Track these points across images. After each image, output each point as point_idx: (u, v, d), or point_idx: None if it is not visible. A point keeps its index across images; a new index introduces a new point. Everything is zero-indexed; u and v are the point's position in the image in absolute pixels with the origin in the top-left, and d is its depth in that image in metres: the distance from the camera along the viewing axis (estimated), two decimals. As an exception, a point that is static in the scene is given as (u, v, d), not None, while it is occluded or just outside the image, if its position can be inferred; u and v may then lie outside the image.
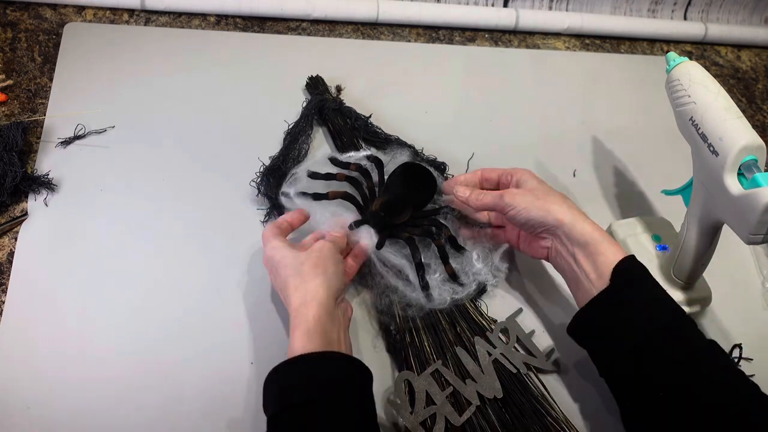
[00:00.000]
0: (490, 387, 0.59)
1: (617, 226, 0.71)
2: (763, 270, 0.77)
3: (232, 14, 0.91)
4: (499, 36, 1.00)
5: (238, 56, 0.86)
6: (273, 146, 0.75)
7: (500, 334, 0.63)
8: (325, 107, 0.78)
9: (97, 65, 0.80)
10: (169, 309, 0.62)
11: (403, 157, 0.73)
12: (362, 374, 0.52)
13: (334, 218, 0.65)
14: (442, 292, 0.62)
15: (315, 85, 0.83)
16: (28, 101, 0.76)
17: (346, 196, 0.66)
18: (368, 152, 0.70)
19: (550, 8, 1.03)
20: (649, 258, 0.67)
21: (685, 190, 0.64)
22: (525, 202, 0.61)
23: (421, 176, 0.71)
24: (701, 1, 1.09)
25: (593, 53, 1.02)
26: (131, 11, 0.88)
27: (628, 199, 0.81)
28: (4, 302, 0.60)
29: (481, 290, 0.67)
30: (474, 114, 0.87)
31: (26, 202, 0.67)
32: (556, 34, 1.03)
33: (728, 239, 0.59)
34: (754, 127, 0.55)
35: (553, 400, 0.60)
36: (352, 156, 0.70)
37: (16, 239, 0.64)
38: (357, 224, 0.64)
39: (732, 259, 0.77)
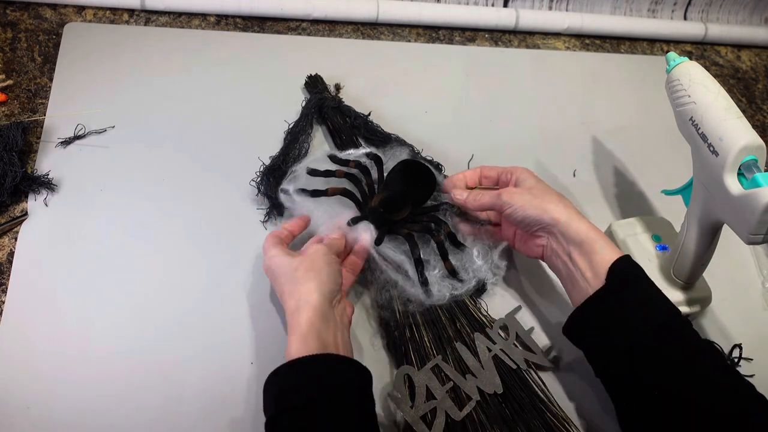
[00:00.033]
0: (490, 382, 0.59)
1: (617, 226, 0.71)
2: (763, 270, 0.77)
3: (232, 14, 0.91)
4: (499, 36, 1.00)
5: (238, 56, 0.86)
6: (273, 146, 0.75)
7: (500, 331, 0.63)
8: (324, 106, 0.79)
9: (97, 65, 0.80)
10: (169, 309, 0.62)
11: (402, 155, 0.74)
12: (360, 375, 0.52)
13: (333, 219, 0.65)
14: (442, 288, 0.62)
15: (314, 84, 0.83)
16: (28, 101, 0.76)
17: (345, 193, 0.66)
18: (368, 150, 0.70)
19: (550, 8, 1.03)
20: (649, 258, 0.67)
21: (685, 190, 0.64)
22: (522, 200, 0.61)
23: (420, 173, 0.71)
24: (701, 1, 1.09)
25: (593, 53, 1.02)
26: (131, 11, 0.88)
27: (628, 199, 0.81)
28: (4, 302, 0.60)
29: (481, 288, 0.67)
30: (474, 114, 0.87)
31: (26, 202, 0.67)
32: (556, 34, 1.03)
33: (728, 239, 0.59)
34: (754, 127, 0.55)
35: (553, 396, 0.60)
36: (351, 153, 0.70)
37: (16, 239, 0.64)
38: (355, 221, 0.64)
39: (732, 259, 0.77)
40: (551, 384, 0.62)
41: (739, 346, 0.68)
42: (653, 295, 0.56)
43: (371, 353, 0.62)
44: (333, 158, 0.70)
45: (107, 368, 0.57)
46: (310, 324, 0.52)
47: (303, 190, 0.66)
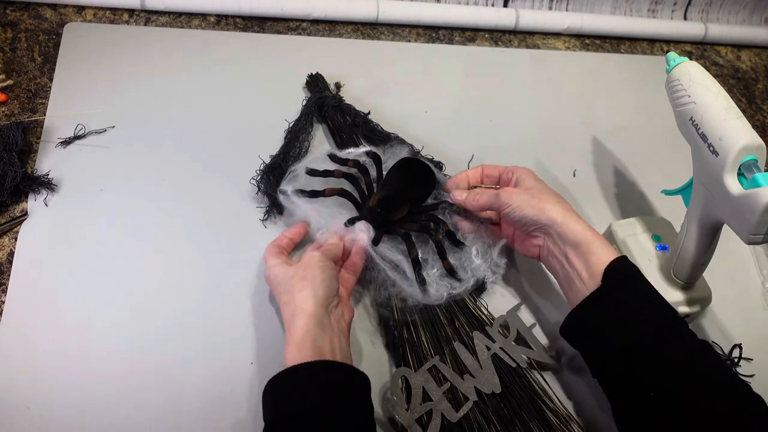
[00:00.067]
0: (488, 382, 0.59)
1: (617, 226, 0.71)
2: (763, 270, 0.77)
3: (232, 14, 0.91)
4: (499, 36, 1.00)
5: (238, 56, 0.86)
6: (273, 146, 0.75)
7: (500, 328, 0.63)
8: (324, 104, 0.79)
9: (97, 65, 0.80)
10: (169, 309, 0.62)
11: (402, 153, 0.74)
12: (356, 381, 0.52)
13: (331, 220, 0.65)
14: (440, 288, 0.62)
15: (315, 83, 0.83)
16: (28, 101, 0.76)
17: (342, 193, 0.66)
18: (367, 148, 0.70)
19: (550, 8, 1.03)
20: (649, 258, 0.67)
21: (685, 190, 0.64)
22: (520, 200, 0.61)
23: (419, 171, 0.71)
24: (701, 1, 1.09)
25: (593, 53, 1.02)
26: (131, 11, 0.88)
27: (628, 199, 0.81)
28: (4, 302, 0.60)
29: (481, 287, 0.67)
30: (474, 114, 0.87)
31: (26, 202, 0.67)
32: (556, 34, 1.03)
33: (728, 239, 0.59)
34: (754, 127, 0.55)
35: (554, 394, 0.60)
36: (350, 152, 0.70)
37: (16, 239, 0.64)
38: (352, 221, 0.64)
39: (732, 259, 0.77)
40: (552, 382, 0.62)
41: (739, 346, 0.68)
42: (649, 296, 0.56)
43: (371, 352, 0.62)
44: (332, 157, 0.70)
45: (107, 368, 0.57)
46: (305, 331, 0.53)
47: (301, 191, 0.66)
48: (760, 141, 0.53)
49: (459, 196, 0.67)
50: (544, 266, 0.64)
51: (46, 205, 0.67)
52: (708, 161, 0.56)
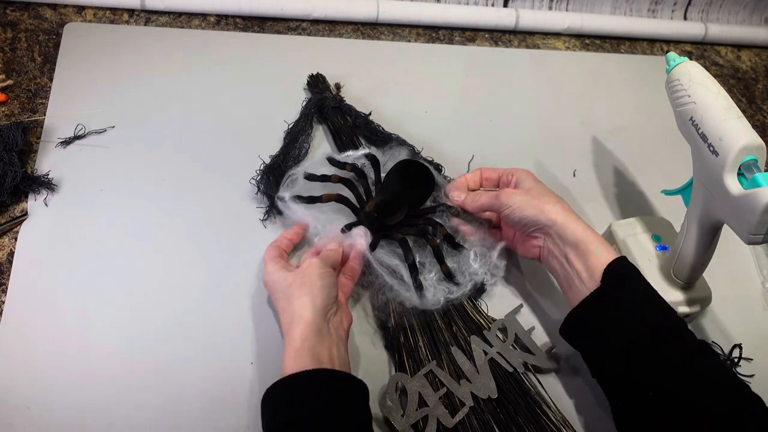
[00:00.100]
0: (485, 387, 0.59)
1: (617, 226, 0.71)
2: (763, 270, 0.77)
3: (232, 14, 0.91)
4: (499, 36, 1.00)
5: (238, 56, 0.86)
6: (273, 146, 0.75)
7: (498, 332, 0.63)
8: (325, 105, 0.79)
9: (97, 65, 0.80)
10: (169, 309, 0.62)
11: (402, 155, 0.74)
12: (354, 389, 0.52)
13: (329, 225, 0.65)
14: (437, 292, 0.62)
15: (315, 83, 0.83)
16: (28, 101, 0.76)
17: (339, 199, 0.66)
18: (366, 150, 0.70)
19: (550, 8, 1.03)
20: (649, 258, 0.67)
21: (685, 190, 0.64)
22: (520, 201, 0.61)
23: (418, 173, 0.71)
24: (701, 1, 1.09)
25: (593, 53, 1.02)
26: (131, 11, 0.88)
27: (628, 199, 0.81)
28: (4, 302, 0.60)
29: (480, 289, 0.67)
30: (474, 114, 0.87)
31: (26, 202, 0.67)
32: (556, 34, 1.03)
33: (728, 239, 0.59)
34: (754, 127, 0.55)
35: (551, 399, 0.60)
36: (349, 155, 0.70)
37: (16, 239, 0.64)
38: (349, 227, 0.64)
39: (732, 259, 0.77)
40: (550, 385, 0.62)
41: (739, 346, 0.68)
42: (648, 296, 0.56)
43: (371, 353, 0.62)
44: (331, 161, 0.70)
45: (107, 368, 0.57)
46: (303, 339, 0.52)
47: (299, 197, 0.66)
48: (760, 141, 0.53)
49: (458, 197, 0.67)
50: (544, 267, 0.64)
51: (46, 205, 0.67)
52: (708, 161, 0.56)
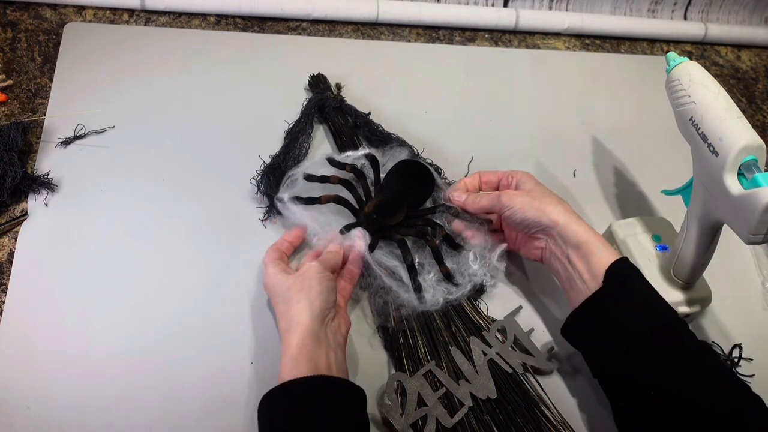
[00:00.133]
0: (484, 387, 0.59)
1: (617, 226, 0.71)
2: (763, 270, 0.77)
3: (232, 14, 0.91)
4: (499, 36, 1.00)
5: (238, 56, 0.86)
6: (273, 146, 0.75)
7: (497, 333, 0.63)
8: (325, 105, 0.79)
9: (97, 65, 0.80)
10: (169, 309, 0.62)
11: (402, 155, 0.74)
12: (352, 396, 0.52)
13: (328, 227, 0.65)
14: (436, 293, 0.62)
15: (316, 83, 0.83)
16: (28, 101, 0.76)
17: (338, 200, 0.66)
18: (366, 151, 0.70)
19: (550, 8, 1.03)
20: (649, 258, 0.67)
21: (685, 190, 0.64)
22: (521, 202, 0.61)
23: (418, 173, 0.71)
24: (701, 1, 1.09)
25: (593, 53, 1.02)
26: (131, 11, 0.88)
27: (628, 199, 0.81)
28: (4, 302, 0.60)
29: (479, 290, 0.67)
30: (474, 114, 0.87)
31: (26, 202, 0.67)
32: (556, 34, 1.03)
33: (728, 239, 0.59)
34: (754, 127, 0.55)
35: (550, 400, 0.60)
36: (349, 156, 0.70)
37: (16, 239, 0.64)
38: (347, 228, 0.64)
39: (732, 259, 0.77)
40: (550, 385, 0.62)
41: (739, 346, 0.68)
42: (650, 297, 0.56)
43: (370, 353, 0.62)
44: (331, 161, 0.70)
45: (107, 368, 0.57)
46: (300, 345, 0.52)
47: (298, 198, 0.66)
48: (760, 141, 0.53)
49: (459, 197, 0.67)
50: (546, 269, 0.64)
51: (46, 205, 0.67)
52: (708, 161, 0.56)
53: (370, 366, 0.61)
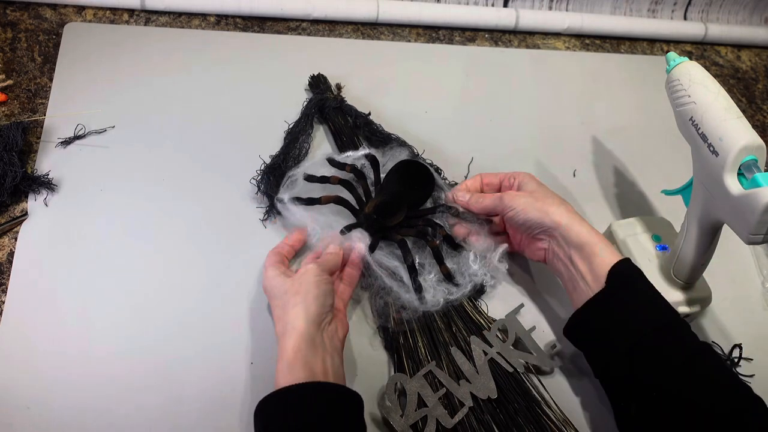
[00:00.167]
0: (485, 387, 0.58)
1: (617, 226, 0.71)
2: (763, 270, 0.77)
3: (232, 14, 0.91)
4: (499, 36, 1.00)
5: (238, 56, 0.86)
6: (273, 146, 0.75)
7: (498, 332, 0.63)
8: (326, 105, 0.78)
9: (97, 65, 0.80)
10: (169, 309, 0.62)
11: (402, 156, 0.73)
12: (348, 402, 0.51)
13: (328, 227, 0.65)
14: (437, 294, 0.62)
15: (317, 83, 0.83)
16: (28, 101, 0.76)
17: (338, 201, 0.66)
18: (366, 151, 0.70)
19: (550, 8, 1.03)
20: (649, 258, 0.67)
21: (685, 190, 0.64)
22: (523, 203, 0.61)
23: (418, 173, 0.71)
24: (701, 1, 1.09)
25: (593, 53, 1.02)
26: (131, 11, 0.88)
27: (628, 199, 0.81)
28: (4, 302, 0.60)
29: (479, 291, 0.67)
30: (474, 114, 0.87)
31: (26, 202, 0.67)
32: (556, 34, 1.03)
33: (728, 239, 0.59)
34: (754, 127, 0.55)
35: (552, 399, 0.60)
36: (349, 156, 0.70)
37: (16, 239, 0.64)
38: (348, 228, 0.64)
39: (732, 259, 0.77)
40: (551, 384, 0.62)
41: (739, 346, 0.68)
42: (652, 298, 0.56)
43: (370, 353, 0.62)
44: (331, 162, 0.70)
45: (107, 368, 0.57)
46: (296, 351, 0.52)
47: (298, 199, 0.66)
48: (760, 141, 0.53)
49: (462, 197, 0.67)
50: (549, 269, 0.64)
51: (46, 205, 0.67)
52: (708, 161, 0.56)
53: (371, 366, 0.61)
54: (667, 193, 0.67)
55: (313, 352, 0.52)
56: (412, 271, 0.62)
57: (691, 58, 0.62)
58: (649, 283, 0.57)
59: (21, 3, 0.85)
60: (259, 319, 0.62)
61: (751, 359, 0.68)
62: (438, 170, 0.75)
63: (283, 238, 0.66)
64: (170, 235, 0.67)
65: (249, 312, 0.63)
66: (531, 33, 1.01)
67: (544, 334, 0.66)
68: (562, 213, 0.60)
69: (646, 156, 0.87)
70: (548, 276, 0.70)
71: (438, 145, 0.79)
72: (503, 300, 0.68)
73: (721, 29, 1.08)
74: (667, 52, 0.62)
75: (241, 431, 0.56)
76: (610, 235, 0.71)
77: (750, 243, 0.53)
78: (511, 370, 0.60)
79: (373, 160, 0.70)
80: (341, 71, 0.85)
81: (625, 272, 0.56)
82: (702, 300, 0.66)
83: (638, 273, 0.57)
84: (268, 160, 0.73)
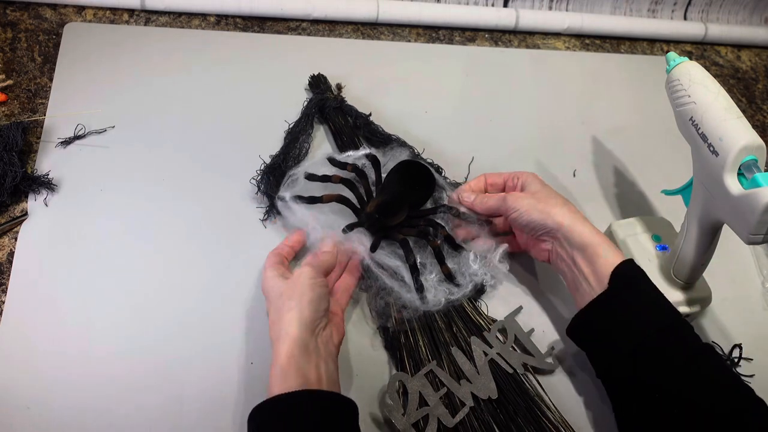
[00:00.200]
0: (485, 387, 0.59)
1: (617, 226, 0.71)
2: (763, 270, 0.77)
3: (232, 14, 0.91)
4: (499, 36, 1.00)
5: (238, 56, 0.86)
6: (273, 146, 0.75)
7: (498, 334, 0.63)
8: (326, 105, 0.78)
9: (97, 65, 0.80)
10: (169, 309, 0.62)
11: (402, 156, 0.73)
12: (342, 409, 0.51)
13: (329, 227, 0.65)
14: (438, 293, 0.62)
15: (317, 83, 0.83)
16: (28, 101, 0.76)
17: (340, 199, 0.66)
18: (367, 151, 0.70)
19: (550, 8, 1.03)
20: (649, 258, 0.67)
21: (685, 190, 0.64)
22: (526, 204, 0.61)
23: (419, 174, 0.71)
24: (701, 1, 1.09)
25: (593, 53, 1.02)
26: (131, 11, 0.88)
27: (628, 199, 0.81)
28: (4, 302, 0.60)
29: (480, 290, 0.67)
30: (474, 114, 0.87)
31: (26, 202, 0.67)
32: (556, 34, 1.03)
33: (728, 239, 0.59)
34: (754, 127, 0.55)
35: (550, 400, 0.60)
36: (350, 155, 0.70)
37: (16, 239, 0.64)
38: (350, 228, 0.64)
39: (732, 259, 0.77)
40: (551, 385, 0.62)
41: (739, 346, 0.68)
42: (655, 299, 0.56)
43: (371, 353, 0.62)
44: (332, 161, 0.70)
45: (107, 368, 0.57)
46: (289, 357, 0.51)
47: (299, 197, 0.66)
48: (760, 141, 0.53)
49: (467, 198, 0.67)
50: (554, 270, 0.64)
51: (46, 205, 0.67)
52: (708, 161, 0.56)
53: (372, 366, 0.61)
54: (667, 193, 0.67)
55: (306, 359, 0.51)
56: (415, 270, 0.62)
57: (691, 58, 0.62)
58: (652, 284, 0.57)
59: (21, 3, 0.85)
60: (259, 320, 0.62)
61: (751, 359, 0.68)
62: (438, 170, 0.75)
63: (283, 239, 0.66)
64: (170, 235, 0.67)
65: (249, 312, 0.63)
66: (531, 33, 1.01)
67: (544, 334, 0.66)
68: (564, 214, 0.60)
69: (646, 156, 0.87)
70: (550, 276, 0.70)
71: (438, 145, 0.79)
72: (504, 300, 0.68)
73: (721, 29, 1.08)
74: (667, 52, 0.62)
75: (241, 431, 0.56)
76: (610, 235, 0.71)
77: (750, 243, 0.53)
78: (510, 370, 0.60)
79: (374, 160, 0.70)
80: (341, 71, 0.85)
81: (628, 273, 0.57)
82: (702, 300, 0.66)
83: (641, 274, 0.57)
84: (268, 160, 0.73)
